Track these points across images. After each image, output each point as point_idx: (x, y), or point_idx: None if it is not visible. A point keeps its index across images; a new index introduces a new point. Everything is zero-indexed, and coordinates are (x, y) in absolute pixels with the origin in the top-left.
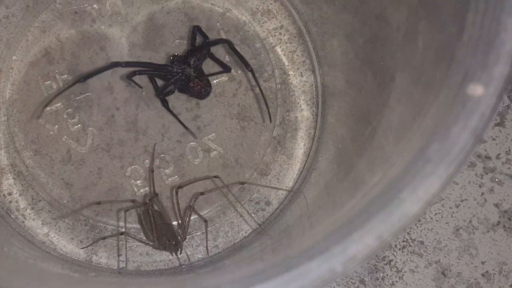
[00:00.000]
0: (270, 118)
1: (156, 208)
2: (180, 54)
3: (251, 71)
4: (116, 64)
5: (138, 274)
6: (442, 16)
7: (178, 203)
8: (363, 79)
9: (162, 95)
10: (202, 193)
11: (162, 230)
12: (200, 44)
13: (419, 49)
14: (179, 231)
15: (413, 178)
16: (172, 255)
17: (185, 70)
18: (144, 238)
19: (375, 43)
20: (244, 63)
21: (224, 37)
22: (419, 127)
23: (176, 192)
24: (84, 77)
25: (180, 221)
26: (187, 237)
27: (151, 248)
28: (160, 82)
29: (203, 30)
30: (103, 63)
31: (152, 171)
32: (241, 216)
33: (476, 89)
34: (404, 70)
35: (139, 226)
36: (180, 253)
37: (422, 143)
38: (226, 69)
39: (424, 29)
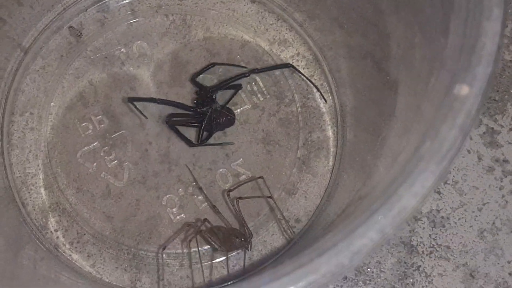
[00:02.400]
0: (324, 99)
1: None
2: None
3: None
4: (153, 100)
5: None
6: (432, 28)
7: (233, 205)
8: (375, 95)
9: (202, 142)
10: (230, 191)
11: (228, 232)
12: (227, 79)
13: (417, 60)
14: (242, 230)
15: (409, 175)
16: (245, 252)
17: (212, 107)
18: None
19: (382, 61)
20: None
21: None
22: (417, 129)
23: (228, 195)
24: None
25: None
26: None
27: (190, 271)
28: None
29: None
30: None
31: (200, 188)
32: (273, 234)
33: (462, 89)
34: (406, 81)
35: (181, 251)
36: (251, 248)
37: (417, 144)
38: (237, 87)
39: (419, 42)
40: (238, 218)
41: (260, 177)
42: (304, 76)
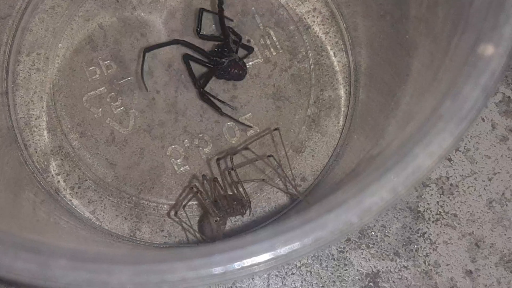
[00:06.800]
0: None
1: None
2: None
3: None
4: (177, 41)
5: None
6: None
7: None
8: (391, 55)
9: (201, 87)
10: (234, 153)
11: (228, 199)
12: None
13: (439, 19)
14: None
15: (426, 134)
16: (243, 217)
17: (231, 57)
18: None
19: (402, 20)
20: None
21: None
22: (436, 89)
23: (231, 159)
24: (149, 49)
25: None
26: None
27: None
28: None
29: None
30: (144, 48)
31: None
32: (277, 192)
33: (487, 49)
34: (425, 41)
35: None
36: (250, 212)
37: (436, 103)
38: (249, 50)
39: (443, 0)
40: (237, 183)
41: (276, 129)
42: None
